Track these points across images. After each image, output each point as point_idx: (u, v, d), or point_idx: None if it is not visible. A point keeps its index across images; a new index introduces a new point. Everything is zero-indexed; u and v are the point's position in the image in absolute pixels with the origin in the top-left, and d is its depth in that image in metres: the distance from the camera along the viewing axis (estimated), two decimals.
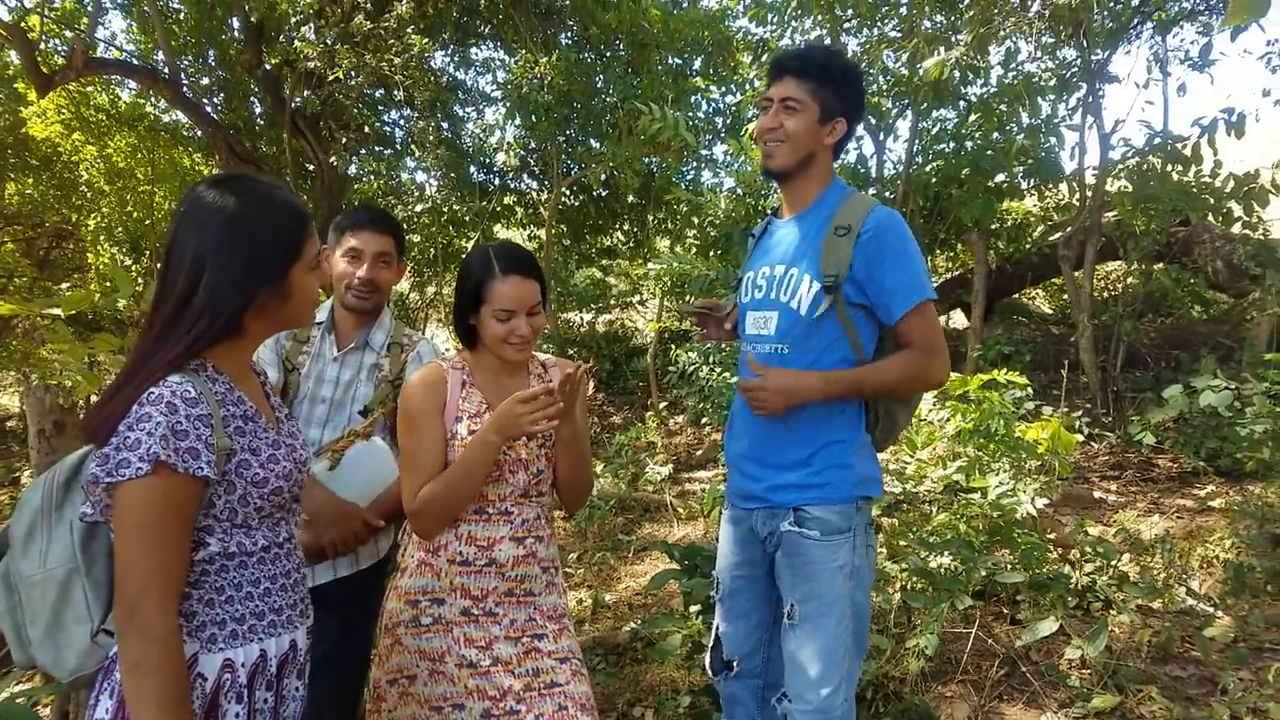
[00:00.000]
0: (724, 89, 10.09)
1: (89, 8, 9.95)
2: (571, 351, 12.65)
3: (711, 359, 8.16)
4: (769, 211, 2.46)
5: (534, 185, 12.22)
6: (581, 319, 14.45)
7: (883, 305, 2.11)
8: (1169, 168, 7.15)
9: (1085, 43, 7.49)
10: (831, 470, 2.14)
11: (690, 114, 9.36)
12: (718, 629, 2.38)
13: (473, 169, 11.36)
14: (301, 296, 1.56)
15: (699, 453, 8.55)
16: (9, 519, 1.54)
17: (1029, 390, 5.08)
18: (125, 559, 1.36)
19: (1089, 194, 7.99)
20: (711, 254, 8.37)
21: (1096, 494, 6.13)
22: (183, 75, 10.14)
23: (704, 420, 9.03)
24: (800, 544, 2.11)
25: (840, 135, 2.23)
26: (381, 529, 2.33)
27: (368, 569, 2.46)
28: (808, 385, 2.11)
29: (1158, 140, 7.18)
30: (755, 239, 2.43)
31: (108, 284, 12.13)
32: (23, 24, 9.03)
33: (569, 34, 10.36)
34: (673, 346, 9.27)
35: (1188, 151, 6.66)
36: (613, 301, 14.48)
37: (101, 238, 12.44)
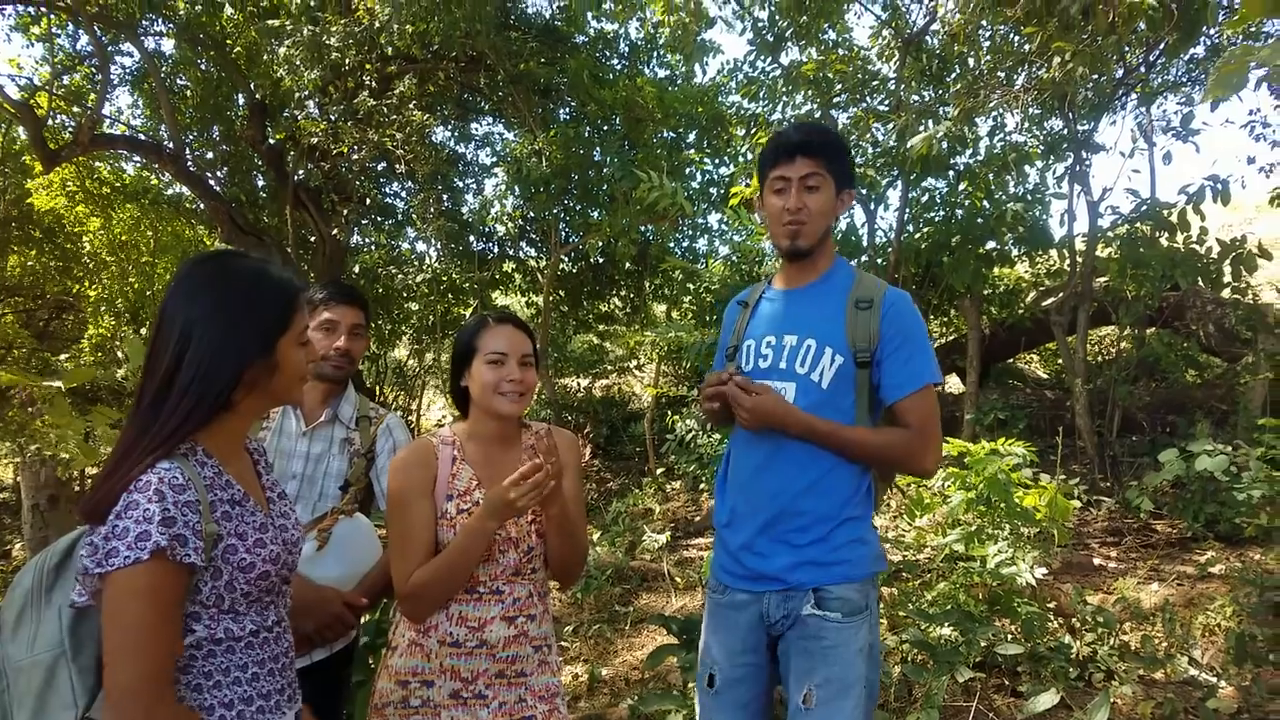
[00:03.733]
0: (717, 161, 10.30)
1: (97, 86, 10.19)
2: (568, 417, 12.66)
3: (708, 426, 8.16)
4: (765, 279, 2.43)
5: (532, 253, 12.42)
6: (579, 384, 14.49)
7: (890, 384, 2.10)
8: (1157, 234, 7.27)
9: (1071, 114, 7.67)
10: (849, 546, 2.09)
11: (685, 184, 9.54)
12: None
13: (472, 238, 11.54)
14: (290, 371, 1.55)
15: (697, 519, 8.50)
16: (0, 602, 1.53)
17: (1033, 457, 5.07)
18: (116, 649, 1.33)
19: (1079, 260, 8.10)
20: (707, 319, 8.43)
21: (1096, 561, 6.07)
22: (187, 150, 10.36)
23: (701, 486, 8.99)
24: (821, 627, 2.04)
25: (847, 206, 2.27)
26: (367, 609, 2.28)
27: (339, 651, 2.42)
28: (786, 416, 2.09)
29: (1145, 207, 7.31)
30: (747, 306, 2.38)
31: (99, 355, 12.19)
32: (32, 101, 9.24)
33: (567, 109, 10.62)
34: (669, 412, 9.28)
35: (1175, 218, 6.78)
36: (609, 367, 14.55)
37: (102, 309, 12.54)
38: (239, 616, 1.49)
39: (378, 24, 7.78)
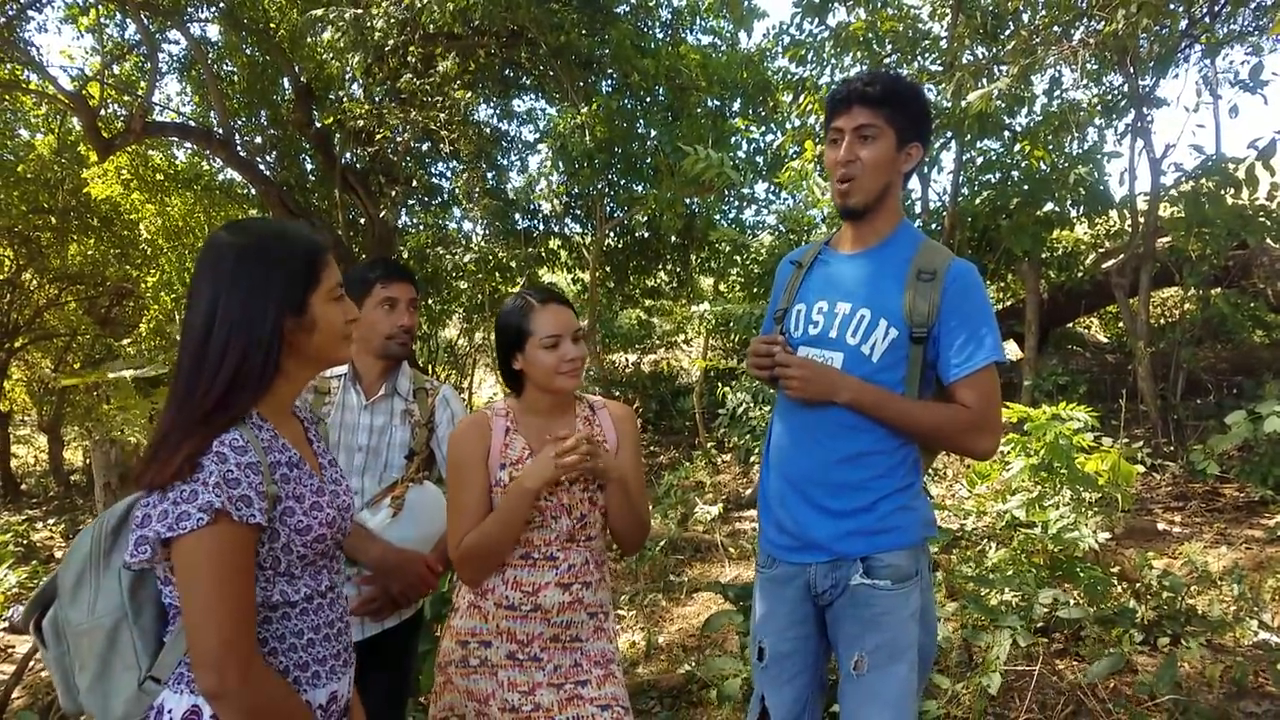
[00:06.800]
0: (763, 129, 10.14)
1: (147, 74, 10.35)
2: (617, 392, 12.68)
3: (760, 398, 8.11)
4: (823, 239, 2.31)
5: (578, 229, 12.40)
6: (627, 359, 14.50)
7: (948, 362, 1.99)
8: (1223, 191, 7.00)
9: (1132, 69, 7.40)
10: (897, 514, 2.03)
11: (731, 154, 9.42)
12: (763, 699, 2.19)
13: (517, 216, 11.57)
14: (329, 328, 1.51)
15: (748, 492, 8.47)
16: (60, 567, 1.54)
17: (1095, 422, 4.94)
18: (199, 613, 1.33)
19: (1141, 220, 7.85)
20: (755, 291, 8.37)
21: (1160, 526, 5.94)
22: (236, 135, 10.50)
23: (752, 459, 8.95)
24: (871, 595, 2.00)
25: (915, 161, 2.10)
26: (442, 571, 2.35)
27: (407, 620, 2.48)
28: (834, 385, 2.01)
29: (1210, 163, 7.03)
30: (802, 267, 2.25)
31: (159, 340, 12.49)
32: (84, 92, 9.42)
33: (609, 81, 10.54)
34: (718, 385, 9.23)
35: (1242, 174, 6.52)
36: (657, 341, 14.53)
37: (162, 294, 12.85)
38: (294, 580, 1.48)
39: (419, 2, 7.77)
